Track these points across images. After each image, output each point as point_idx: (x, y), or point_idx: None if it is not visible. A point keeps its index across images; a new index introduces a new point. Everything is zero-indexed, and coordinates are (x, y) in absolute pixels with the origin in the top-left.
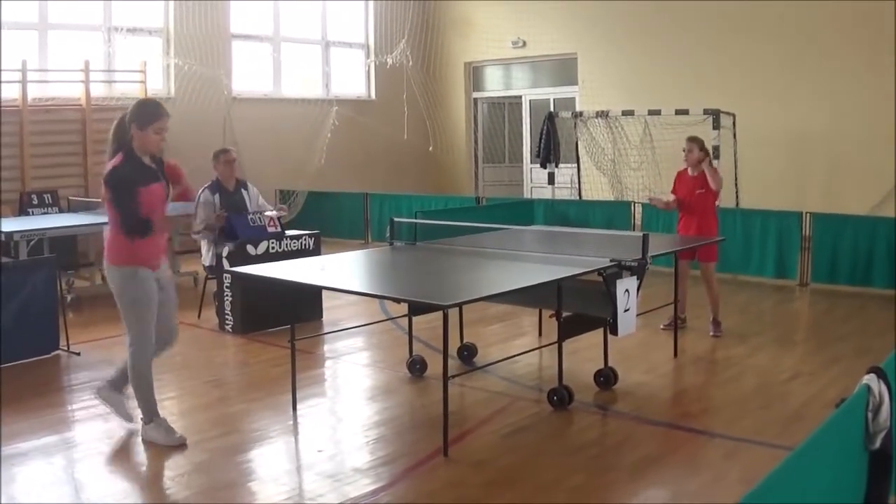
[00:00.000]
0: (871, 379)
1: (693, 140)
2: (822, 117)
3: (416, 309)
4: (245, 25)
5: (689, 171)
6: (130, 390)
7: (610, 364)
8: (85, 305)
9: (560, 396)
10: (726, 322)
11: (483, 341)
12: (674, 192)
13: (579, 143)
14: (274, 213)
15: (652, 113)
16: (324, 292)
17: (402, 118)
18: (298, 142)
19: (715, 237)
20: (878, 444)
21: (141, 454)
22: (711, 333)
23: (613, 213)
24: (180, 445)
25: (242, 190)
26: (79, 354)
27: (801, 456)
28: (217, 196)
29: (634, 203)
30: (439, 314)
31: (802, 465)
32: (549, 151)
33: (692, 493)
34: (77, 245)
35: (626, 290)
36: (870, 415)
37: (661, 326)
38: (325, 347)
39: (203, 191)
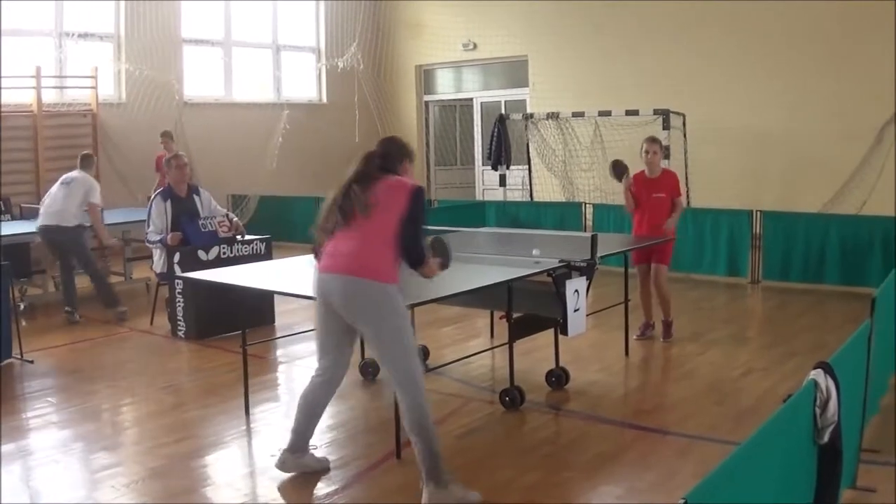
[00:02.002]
0: (817, 374)
1: (655, 140)
2: (775, 116)
3: None
4: (196, 30)
5: (647, 173)
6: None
7: (562, 364)
8: (38, 313)
9: (511, 397)
10: (678, 321)
11: (436, 343)
12: (633, 192)
13: (530, 144)
14: (232, 216)
15: (602, 114)
16: (276, 297)
17: (354, 121)
18: (250, 146)
19: (671, 241)
20: (826, 438)
21: (96, 462)
22: (662, 339)
23: (565, 215)
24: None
25: (195, 195)
26: (32, 362)
27: (747, 451)
28: (169, 202)
29: (585, 204)
30: None
31: (749, 460)
32: (501, 153)
33: (645, 489)
34: (30, 253)
35: (576, 291)
36: (817, 410)
37: (635, 337)
38: (278, 352)
39: (155, 197)
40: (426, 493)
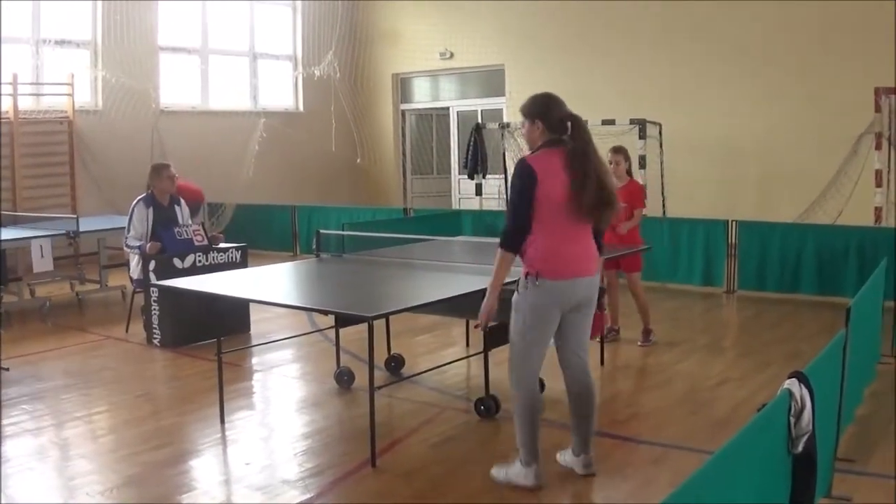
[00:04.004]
0: (792, 384)
1: (619, 151)
2: (752, 126)
3: (343, 320)
4: (173, 38)
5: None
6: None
7: None
8: (14, 321)
9: (487, 406)
10: (654, 330)
11: (411, 352)
12: None
13: (507, 153)
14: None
15: None
16: (251, 305)
17: (330, 130)
18: (226, 154)
19: (638, 247)
20: (801, 447)
21: (71, 469)
22: (640, 343)
23: None
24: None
25: (176, 206)
26: (8, 370)
27: (721, 460)
28: (151, 210)
29: None
30: (366, 325)
31: (724, 469)
32: (477, 162)
33: (621, 498)
34: (5, 260)
35: None
36: (792, 419)
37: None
38: (254, 360)
39: (137, 203)
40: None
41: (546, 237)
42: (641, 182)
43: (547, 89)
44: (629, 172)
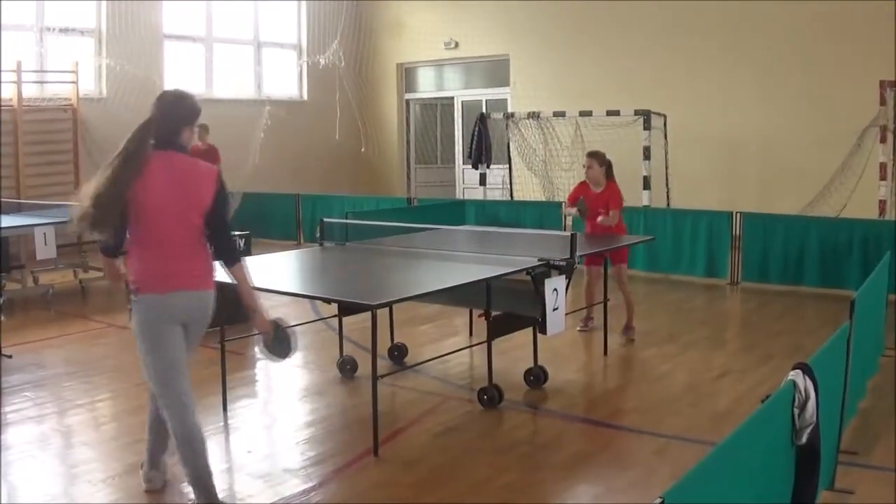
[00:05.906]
0: (796, 375)
1: (593, 155)
2: (757, 119)
3: (346, 309)
4: (177, 26)
5: (592, 188)
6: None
7: (540, 363)
8: (16, 308)
9: (490, 395)
10: (657, 321)
11: (414, 341)
12: (570, 199)
13: (511, 144)
14: None
15: (583, 114)
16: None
17: (335, 119)
18: (230, 143)
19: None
20: (804, 439)
21: (73, 456)
22: (624, 336)
23: (544, 214)
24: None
25: None
26: (10, 357)
27: (725, 450)
28: None
29: (565, 203)
30: (370, 314)
31: (727, 460)
32: (481, 152)
33: (622, 489)
34: (8, 247)
35: (555, 290)
36: (796, 410)
37: (578, 329)
38: (256, 348)
39: None
40: None
41: None
42: (645, 174)
43: (551, 79)
44: (609, 176)
